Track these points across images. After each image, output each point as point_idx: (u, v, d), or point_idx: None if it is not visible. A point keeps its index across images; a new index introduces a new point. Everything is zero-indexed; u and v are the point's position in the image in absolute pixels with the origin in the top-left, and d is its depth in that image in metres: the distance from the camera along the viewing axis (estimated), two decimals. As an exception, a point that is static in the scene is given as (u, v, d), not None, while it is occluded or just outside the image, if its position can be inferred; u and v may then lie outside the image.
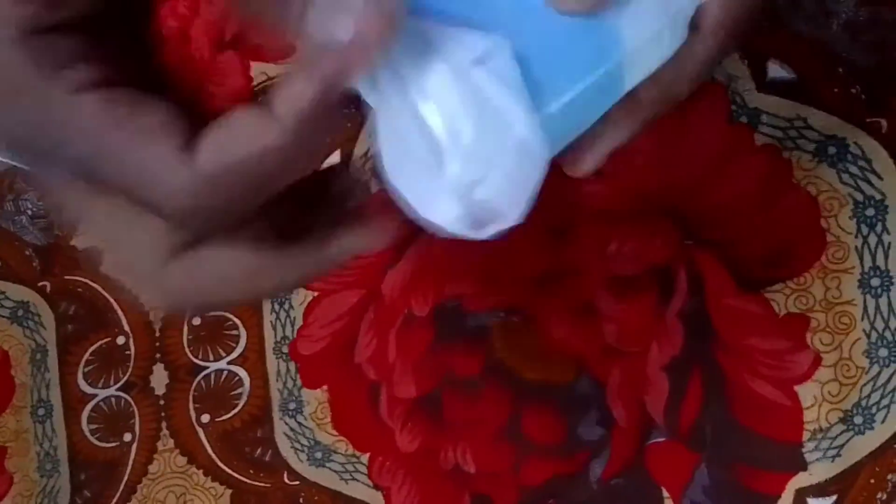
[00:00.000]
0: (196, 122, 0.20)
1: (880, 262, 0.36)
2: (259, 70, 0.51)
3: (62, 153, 0.20)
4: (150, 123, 0.20)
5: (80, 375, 0.52)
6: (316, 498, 0.45)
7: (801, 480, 0.36)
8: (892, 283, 0.36)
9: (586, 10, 0.20)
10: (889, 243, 0.36)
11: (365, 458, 0.44)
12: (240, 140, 0.20)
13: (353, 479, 0.44)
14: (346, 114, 0.21)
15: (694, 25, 0.24)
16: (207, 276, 0.22)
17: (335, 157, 0.48)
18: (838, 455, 0.35)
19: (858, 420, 0.35)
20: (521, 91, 0.20)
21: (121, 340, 0.50)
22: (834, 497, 0.35)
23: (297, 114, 0.20)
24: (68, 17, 0.19)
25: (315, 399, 0.46)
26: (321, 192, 0.25)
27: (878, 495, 0.35)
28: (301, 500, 0.45)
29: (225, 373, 0.48)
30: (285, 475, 0.46)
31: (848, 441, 0.35)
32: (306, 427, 0.46)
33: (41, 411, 0.54)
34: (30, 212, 0.54)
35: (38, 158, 0.20)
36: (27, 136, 0.20)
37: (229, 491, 0.47)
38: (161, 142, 0.20)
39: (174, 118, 0.20)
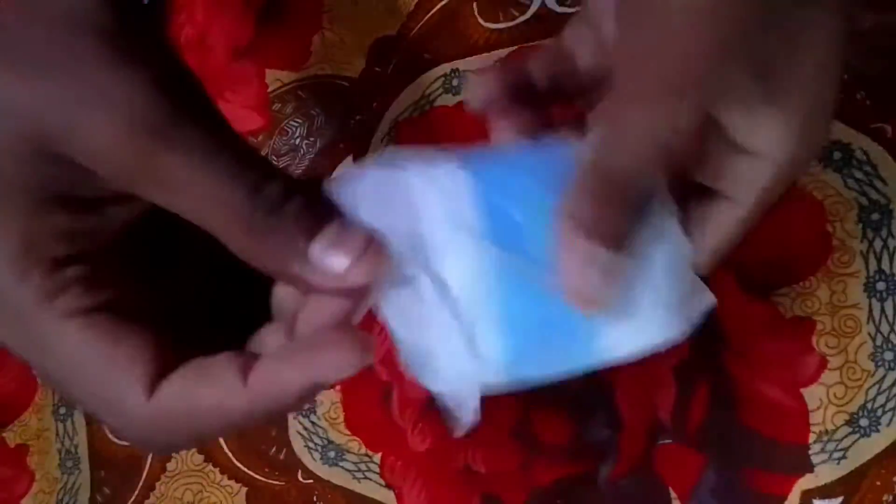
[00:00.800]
0: (172, 350, 0.22)
1: (885, 266, 0.36)
2: (274, 77, 0.52)
3: (41, 365, 0.22)
4: (122, 357, 0.21)
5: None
6: (329, 496, 0.46)
7: (807, 482, 0.36)
8: (897, 287, 0.36)
9: (591, 309, 0.22)
10: (894, 247, 0.36)
11: (377, 457, 0.45)
12: (203, 397, 0.22)
13: (366, 477, 0.45)
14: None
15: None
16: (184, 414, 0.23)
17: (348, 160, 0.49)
18: (844, 457, 0.36)
19: (864, 423, 0.36)
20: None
21: (140, 341, 0.51)
22: (840, 499, 0.36)
23: (273, 398, 0.22)
24: (74, 253, 0.21)
25: (328, 399, 0.46)
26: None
27: (884, 497, 0.35)
28: (315, 498, 0.46)
29: (241, 373, 0.49)
30: (299, 474, 0.47)
31: (854, 443, 0.36)
32: (320, 426, 0.46)
33: (62, 410, 0.55)
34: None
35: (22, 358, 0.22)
36: (15, 345, 0.22)
37: (245, 489, 0.48)
38: (127, 378, 0.21)
39: (147, 350, 0.22)
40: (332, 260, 0.21)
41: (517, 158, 0.25)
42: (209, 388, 0.22)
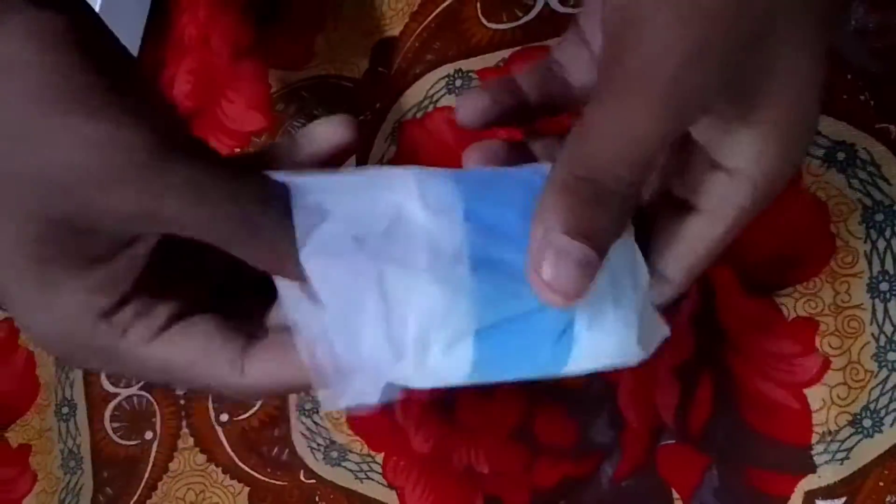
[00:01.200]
0: (238, 322, 0.26)
1: (889, 266, 0.36)
2: (277, 77, 0.52)
3: (140, 377, 0.26)
4: (202, 350, 0.25)
5: (102, 375, 0.53)
6: (331, 496, 0.46)
7: (810, 483, 0.36)
8: (900, 288, 0.36)
9: (565, 303, 0.22)
10: (898, 248, 0.36)
11: (379, 457, 0.45)
12: (286, 370, 0.25)
13: (368, 478, 0.45)
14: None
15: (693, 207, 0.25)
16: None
17: (351, 161, 0.49)
18: (847, 458, 0.36)
19: (867, 423, 0.36)
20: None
21: (142, 341, 0.51)
22: (843, 499, 0.36)
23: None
24: (124, 292, 0.24)
25: (331, 399, 0.46)
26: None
27: (887, 498, 0.35)
28: (317, 499, 0.46)
29: (243, 373, 0.49)
30: (302, 474, 0.47)
31: (857, 444, 0.36)
32: (322, 427, 0.46)
33: (65, 410, 0.55)
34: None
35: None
36: (111, 371, 0.27)
37: (247, 489, 0.48)
38: (215, 362, 0.25)
39: (219, 335, 0.25)
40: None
41: (494, 176, 0.25)
42: (287, 369, 0.25)
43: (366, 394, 0.23)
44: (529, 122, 0.29)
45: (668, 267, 0.26)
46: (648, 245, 0.26)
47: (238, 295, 0.27)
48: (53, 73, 0.22)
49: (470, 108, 0.28)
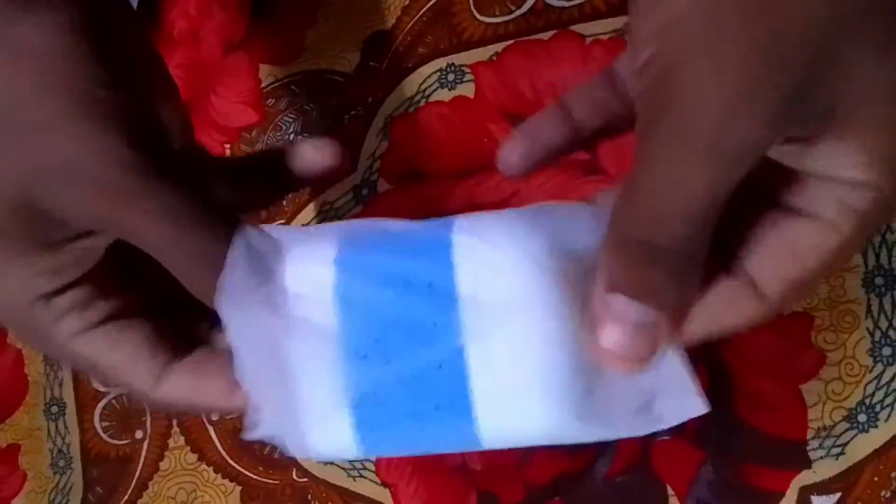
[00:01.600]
0: (170, 338, 0.27)
1: (884, 261, 0.36)
2: (267, 72, 0.52)
3: (72, 366, 0.27)
4: (125, 360, 0.26)
5: (92, 373, 0.53)
6: (324, 495, 0.45)
7: (805, 478, 0.36)
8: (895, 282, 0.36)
9: (628, 369, 0.22)
10: (893, 243, 0.36)
11: (372, 455, 0.45)
12: (198, 393, 0.26)
13: (361, 476, 0.45)
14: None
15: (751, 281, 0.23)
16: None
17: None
18: (842, 453, 0.36)
19: (862, 418, 0.36)
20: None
21: (132, 339, 0.51)
22: (838, 495, 0.35)
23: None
24: (69, 281, 0.25)
25: (323, 397, 0.46)
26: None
27: (882, 493, 0.35)
28: (309, 497, 0.46)
29: (234, 371, 0.48)
30: (294, 472, 0.46)
31: (852, 439, 0.36)
32: (315, 424, 0.46)
33: (54, 409, 0.54)
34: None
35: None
36: (48, 354, 0.27)
37: (239, 488, 0.48)
38: (134, 376, 0.26)
39: (144, 349, 0.26)
40: None
41: (395, 236, 0.24)
42: (206, 391, 0.26)
43: (272, 430, 0.23)
44: (586, 148, 0.27)
45: (766, 277, 0.23)
46: (727, 244, 0.23)
47: (180, 304, 0.28)
48: (66, 67, 0.23)
49: (511, 156, 0.26)
